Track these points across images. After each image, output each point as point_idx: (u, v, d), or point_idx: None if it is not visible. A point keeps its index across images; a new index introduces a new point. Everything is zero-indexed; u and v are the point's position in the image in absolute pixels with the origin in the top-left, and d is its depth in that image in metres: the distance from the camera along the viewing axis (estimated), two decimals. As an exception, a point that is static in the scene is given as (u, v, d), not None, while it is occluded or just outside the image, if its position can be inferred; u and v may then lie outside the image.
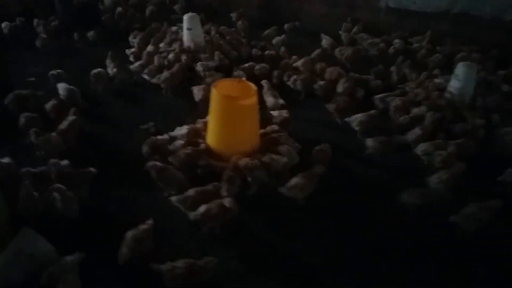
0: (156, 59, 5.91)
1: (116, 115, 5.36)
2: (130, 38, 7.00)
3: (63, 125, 4.46)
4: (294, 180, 3.92)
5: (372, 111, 5.02)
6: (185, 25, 6.50)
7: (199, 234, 3.64)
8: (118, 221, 3.72)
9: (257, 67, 6.09)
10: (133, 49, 6.53)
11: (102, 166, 4.12)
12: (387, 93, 5.62)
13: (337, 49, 6.99)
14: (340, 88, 5.71)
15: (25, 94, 4.96)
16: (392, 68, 6.38)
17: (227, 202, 3.51)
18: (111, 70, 5.95)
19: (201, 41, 6.59)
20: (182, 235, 3.66)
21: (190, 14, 6.47)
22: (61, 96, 5.10)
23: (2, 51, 5.46)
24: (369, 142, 4.65)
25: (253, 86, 4.32)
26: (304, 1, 8.66)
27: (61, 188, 3.42)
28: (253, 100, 4.22)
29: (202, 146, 4.39)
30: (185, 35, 6.57)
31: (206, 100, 5.18)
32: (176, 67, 5.79)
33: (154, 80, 5.73)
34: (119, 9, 7.90)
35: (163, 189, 3.99)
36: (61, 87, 5.18)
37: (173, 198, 3.70)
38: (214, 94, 4.22)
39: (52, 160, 3.74)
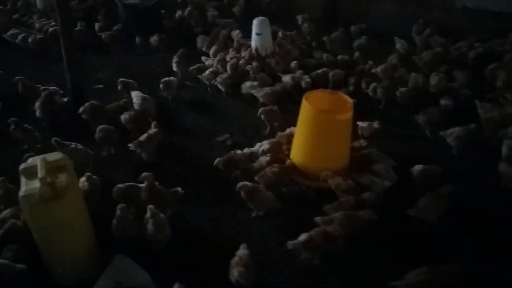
0: (228, 67, 5.62)
1: (189, 125, 5.12)
2: (198, 44, 6.74)
3: (143, 137, 4.26)
4: (424, 200, 3.58)
5: (471, 125, 4.53)
6: (254, 30, 6.20)
7: (296, 261, 3.35)
8: (209, 245, 3.52)
9: (331, 73, 5.71)
10: (208, 59, 6.18)
11: (183, 181, 3.91)
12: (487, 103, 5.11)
13: (419, 54, 6.49)
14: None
15: (99, 105, 4.79)
16: (485, 74, 5.84)
17: (333, 229, 3.17)
18: (173, 65, 5.88)
19: (270, 46, 6.25)
20: (277, 260, 3.40)
21: (260, 18, 6.15)
22: (135, 105, 4.90)
23: (71, 56, 5.26)
24: (503, 167, 4.15)
25: (348, 99, 3.96)
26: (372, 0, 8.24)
27: (154, 210, 3.18)
28: (349, 114, 3.87)
29: (288, 163, 4.08)
30: (254, 41, 6.25)
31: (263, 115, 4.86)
32: (279, 86, 5.47)
33: (253, 92, 5.34)
34: (180, 12, 7.71)
35: (253, 210, 3.72)
36: (136, 95, 4.98)
37: (317, 219, 3.41)
38: (306, 107, 3.89)
39: (145, 173, 3.52)
